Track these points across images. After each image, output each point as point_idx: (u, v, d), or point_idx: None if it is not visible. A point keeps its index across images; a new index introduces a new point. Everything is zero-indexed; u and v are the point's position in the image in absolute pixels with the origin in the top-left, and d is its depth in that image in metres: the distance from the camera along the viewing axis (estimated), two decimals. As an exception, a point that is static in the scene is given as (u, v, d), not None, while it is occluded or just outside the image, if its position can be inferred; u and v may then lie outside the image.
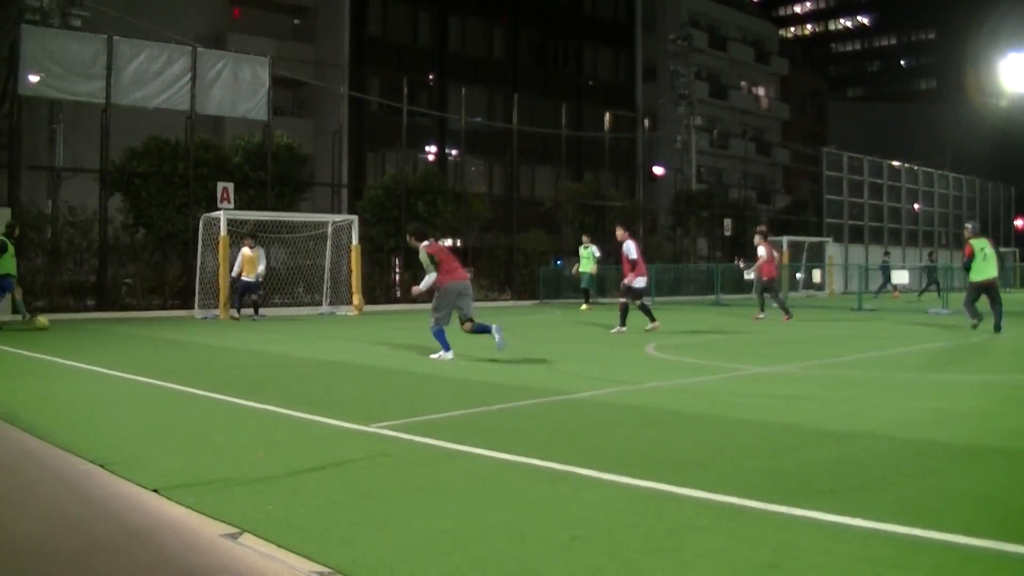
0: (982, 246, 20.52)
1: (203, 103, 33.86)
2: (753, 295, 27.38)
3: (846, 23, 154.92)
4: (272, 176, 35.22)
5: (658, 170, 65.89)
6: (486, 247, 45.63)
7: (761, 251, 26.34)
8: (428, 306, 16.22)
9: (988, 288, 20.57)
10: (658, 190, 65.69)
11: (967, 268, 20.74)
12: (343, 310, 31.71)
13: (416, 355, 16.00)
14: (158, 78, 32.97)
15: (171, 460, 7.26)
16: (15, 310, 24.26)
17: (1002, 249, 55.36)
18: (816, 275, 51.91)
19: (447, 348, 15.40)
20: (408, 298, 38.35)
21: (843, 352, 16.50)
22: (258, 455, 7.39)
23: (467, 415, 9.33)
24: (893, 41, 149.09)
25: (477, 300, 39.78)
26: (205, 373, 13.76)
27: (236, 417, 9.53)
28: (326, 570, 4.54)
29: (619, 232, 21.78)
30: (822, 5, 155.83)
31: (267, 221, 30.78)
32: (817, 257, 52.08)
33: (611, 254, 40.65)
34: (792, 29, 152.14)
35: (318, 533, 5.14)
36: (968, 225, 21.65)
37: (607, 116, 53.79)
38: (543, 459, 6.99)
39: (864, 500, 5.72)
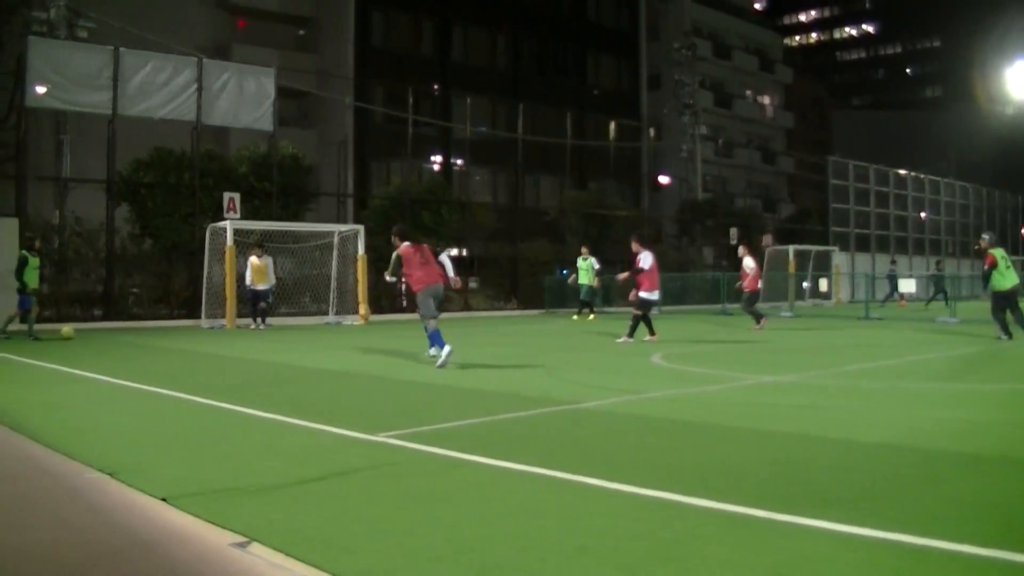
0: (1002, 254, 20.54)
1: (209, 114, 33.93)
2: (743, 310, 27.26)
3: (851, 31, 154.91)
4: (277, 186, 35.29)
5: (663, 179, 65.95)
6: (491, 257, 45.68)
7: (749, 263, 26.41)
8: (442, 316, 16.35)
9: (1010, 296, 20.58)
10: (663, 199, 65.74)
11: (987, 278, 20.70)
12: (349, 319, 31.75)
13: (422, 365, 16.00)
14: (164, 89, 33.04)
15: (178, 469, 7.27)
16: (22, 320, 24.21)
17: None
18: (823, 284, 51.88)
19: (442, 345, 15.64)
20: (414, 307, 38.43)
21: (849, 361, 16.48)
22: (265, 464, 7.40)
23: (473, 424, 9.34)
24: (898, 49, 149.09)
25: (483, 310, 39.85)
26: (212, 382, 13.78)
27: (243, 426, 9.56)
28: (333, 579, 4.55)
29: (633, 244, 21.67)
30: (826, 13, 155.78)
31: (273, 231, 30.82)
32: (823, 266, 51.95)
33: (621, 264, 40.81)
34: (796, 38, 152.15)
35: (325, 542, 5.15)
36: (985, 236, 21.59)
37: (611, 125, 53.87)
38: (549, 468, 6.98)
39: (870, 509, 5.72)
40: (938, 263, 55.76)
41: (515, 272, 44.47)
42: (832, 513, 5.52)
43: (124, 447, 8.31)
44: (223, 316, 29.26)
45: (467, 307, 41.80)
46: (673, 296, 43.83)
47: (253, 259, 28.54)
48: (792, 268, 46.00)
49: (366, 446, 8.18)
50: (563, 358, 17.57)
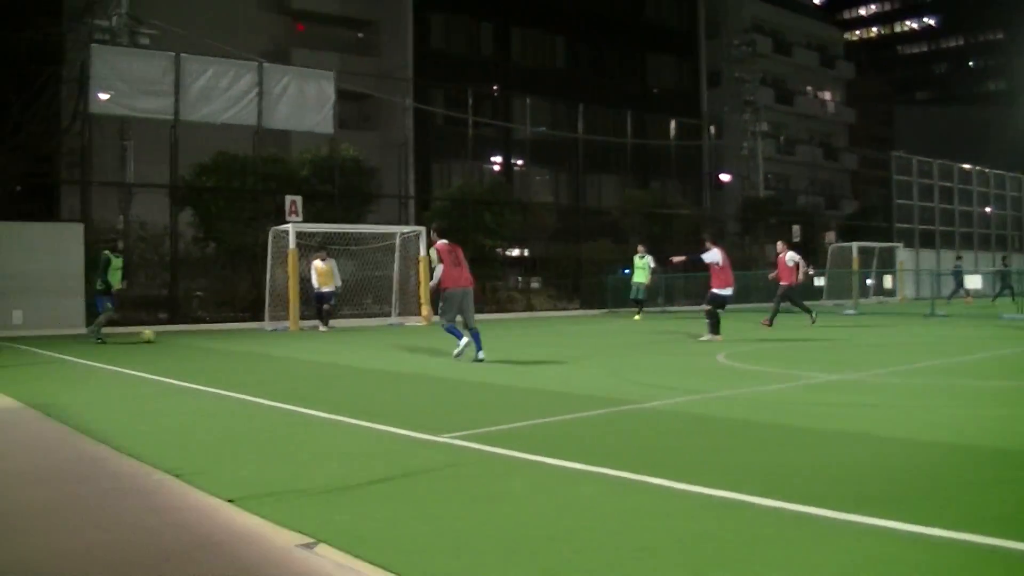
0: None
1: (270, 118, 34.16)
2: (793, 307, 27.03)
3: (912, 25, 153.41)
4: (339, 189, 35.47)
5: (724, 177, 65.62)
6: (552, 257, 45.66)
7: (793, 256, 26.36)
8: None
9: None
10: (725, 197, 65.39)
11: None
12: (411, 321, 31.82)
13: (484, 365, 15.99)
14: (225, 94, 33.31)
15: (244, 470, 7.30)
16: (90, 324, 24.37)
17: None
18: (887, 281, 51.46)
19: (460, 336, 16.54)
20: (476, 308, 38.44)
21: (915, 359, 16.31)
22: (331, 466, 7.41)
23: (537, 425, 9.30)
24: (960, 42, 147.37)
25: (545, 310, 39.85)
26: (276, 384, 13.83)
27: (307, 428, 9.58)
28: (399, 580, 4.54)
29: (707, 243, 21.54)
30: (887, 7, 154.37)
31: (335, 233, 30.95)
32: (887, 263, 51.53)
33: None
34: (857, 32, 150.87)
35: (390, 543, 5.14)
36: None
37: (672, 124, 53.59)
38: (612, 468, 6.93)
39: (937, 509, 5.64)
40: (1004, 259, 55.04)
41: (577, 272, 44.43)
42: (898, 513, 5.44)
43: (190, 449, 8.35)
44: (286, 318, 29.41)
45: (529, 307, 41.82)
46: (736, 294, 43.58)
47: (317, 262, 28.70)
48: (856, 265, 45.56)
49: (430, 447, 8.17)
50: (626, 358, 17.50)
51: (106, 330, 24.30)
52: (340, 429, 9.34)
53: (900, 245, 54.18)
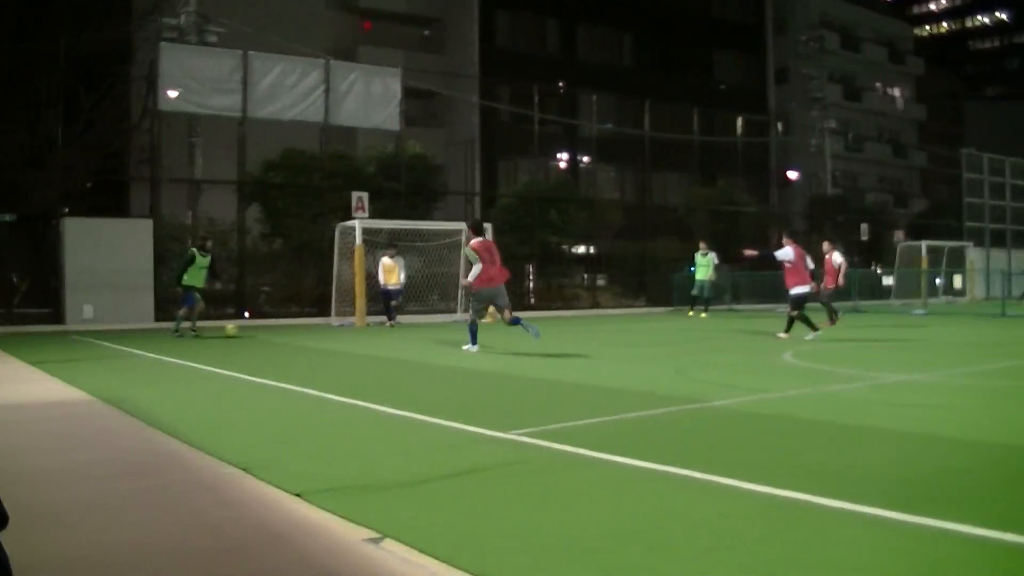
0: None
1: (336, 115, 34.33)
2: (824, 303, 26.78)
3: (983, 19, 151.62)
4: (405, 185, 35.56)
5: (792, 175, 65.21)
6: (619, 254, 45.57)
7: (837, 258, 26.23)
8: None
9: None
10: (792, 195, 64.96)
11: None
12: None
13: (550, 362, 15.99)
14: (292, 91, 33.52)
15: (312, 465, 7.34)
16: (177, 319, 24.44)
17: None
18: (956, 280, 50.90)
19: (474, 342, 17.93)
20: (542, 305, 38.56)
21: (986, 360, 16.13)
22: (397, 461, 7.44)
23: (603, 423, 9.27)
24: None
25: (610, 307, 39.80)
26: (343, 379, 13.91)
27: (374, 423, 9.61)
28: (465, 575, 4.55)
29: (784, 238, 21.40)
30: (958, 2, 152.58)
31: (401, 230, 31.04)
32: (957, 262, 50.94)
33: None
34: (927, 27, 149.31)
35: (456, 539, 5.15)
36: None
37: (738, 121, 53.31)
38: (679, 467, 6.90)
39: (1012, 513, 5.57)
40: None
41: (643, 269, 44.32)
42: (969, 517, 5.36)
43: (258, 443, 8.41)
44: (352, 314, 29.53)
45: (595, 304, 41.77)
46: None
47: (385, 259, 28.80)
48: (924, 264, 45.10)
49: (496, 443, 8.17)
50: (692, 356, 17.44)
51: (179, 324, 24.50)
52: (407, 425, 9.36)
53: (970, 244, 53.39)
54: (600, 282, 45.21)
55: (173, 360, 17.13)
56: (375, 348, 19.89)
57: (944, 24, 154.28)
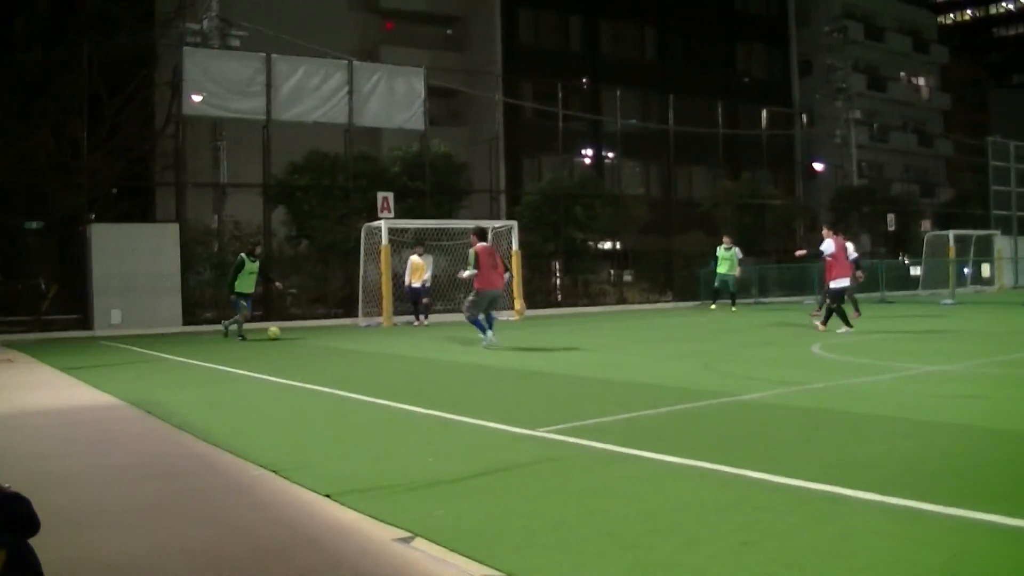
0: None
1: (360, 116, 34.37)
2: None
3: (1008, 6, 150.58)
4: (430, 185, 35.57)
5: (817, 166, 65.00)
6: (645, 250, 45.49)
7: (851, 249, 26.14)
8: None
9: None
10: (818, 187, 64.72)
11: None
12: (504, 315, 31.81)
13: (578, 358, 15.99)
14: (315, 93, 33.58)
15: (341, 466, 7.37)
16: (235, 322, 24.34)
17: None
18: (984, 269, 50.64)
19: (483, 330, 18.46)
20: (568, 301, 38.56)
21: (1016, 349, 16.05)
22: (427, 460, 7.44)
23: (633, 418, 9.27)
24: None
25: (637, 303, 39.75)
26: (371, 380, 13.93)
27: (403, 423, 9.62)
28: (498, 574, 4.54)
29: (825, 231, 21.28)
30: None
31: (427, 229, 31.05)
32: (985, 251, 50.67)
33: (777, 255, 40.43)
34: (951, 16, 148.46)
35: (489, 537, 5.15)
36: None
37: (763, 113, 53.11)
38: (711, 462, 6.90)
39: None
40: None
41: (669, 265, 44.25)
42: (1005, 508, 5.34)
43: (288, 444, 8.43)
44: (379, 314, 29.55)
45: (622, 300, 41.74)
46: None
47: (414, 258, 28.80)
48: (952, 254, 44.84)
49: (527, 441, 8.17)
50: (720, 350, 17.39)
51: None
52: (436, 424, 9.38)
53: (998, 232, 53.09)
54: (626, 278, 45.13)
55: (201, 363, 17.19)
56: (402, 348, 19.90)
57: (968, 12, 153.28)
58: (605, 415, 9.39)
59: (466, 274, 18.60)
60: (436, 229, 31.57)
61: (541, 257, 39.54)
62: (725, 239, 32.57)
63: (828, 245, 20.45)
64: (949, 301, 34.60)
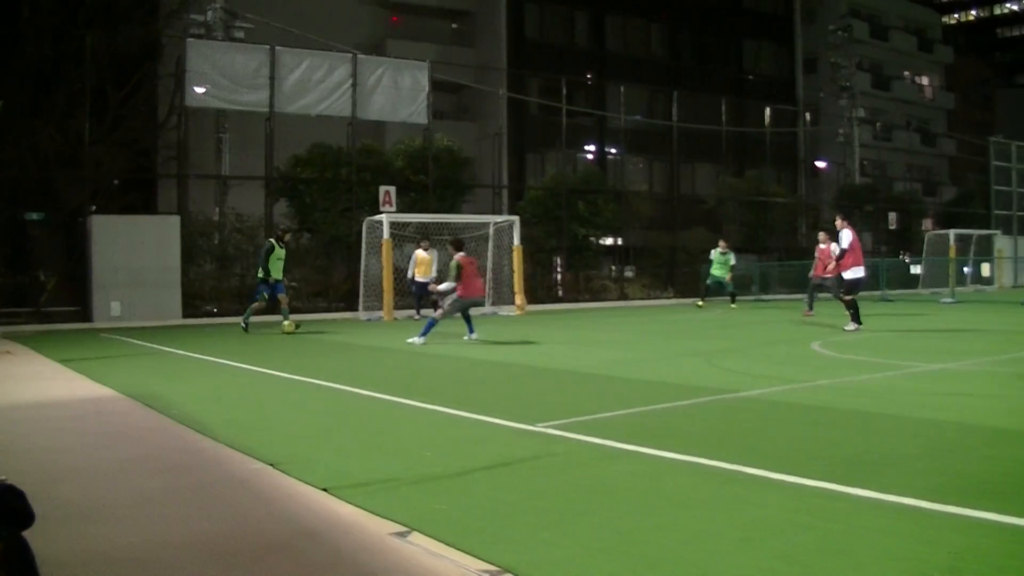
0: None
1: (364, 109, 34.36)
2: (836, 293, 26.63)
3: (1012, 6, 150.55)
4: (433, 179, 35.55)
5: (821, 164, 65.01)
6: (648, 246, 45.51)
7: (835, 247, 26.12)
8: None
9: None
10: (821, 185, 64.78)
11: None
12: (506, 310, 31.82)
13: (578, 353, 15.98)
14: (320, 86, 33.56)
15: (340, 460, 7.36)
16: (284, 316, 24.14)
17: None
18: (985, 269, 50.65)
19: (423, 336, 18.55)
20: (570, 297, 38.54)
21: (1016, 349, 16.04)
22: (426, 455, 7.42)
23: (633, 414, 9.26)
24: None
25: (639, 299, 39.72)
26: (371, 374, 13.92)
27: (402, 417, 9.61)
28: (496, 569, 4.53)
29: (838, 222, 21.12)
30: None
31: (429, 223, 31.01)
32: (985, 250, 50.68)
33: (780, 254, 40.36)
34: (956, 15, 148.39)
35: (487, 532, 5.14)
36: None
37: (767, 111, 53.10)
38: (712, 459, 6.90)
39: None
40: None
41: (672, 261, 44.25)
42: (1006, 506, 5.35)
43: (288, 438, 8.42)
44: (380, 308, 29.53)
45: (623, 296, 41.74)
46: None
47: (420, 252, 28.74)
48: (953, 253, 44.81)
49: (526, 436, 8.16)
50: (721, 346, 17.38)
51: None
52: (436, 418, 9.38)
53: (998, 232, 53.16)
54: (628, 274, 45.15)
55: (201, 356, 17.17)
56: (403, 343, 19.85)
57: (973, 12, 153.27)
58: (606, 411, 9.39)
59: (443, 287, 19.13)
60: (439, 223, 31.54)
61: (543, 252, 39.53)
62: (721, 243, 32.33)
63: (846, 235, 20.27)
64: (949, 300, 34.57)
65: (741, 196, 47.80)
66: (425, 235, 29.43)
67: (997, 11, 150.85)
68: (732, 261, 31.98)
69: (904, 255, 52.61)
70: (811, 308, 25.94)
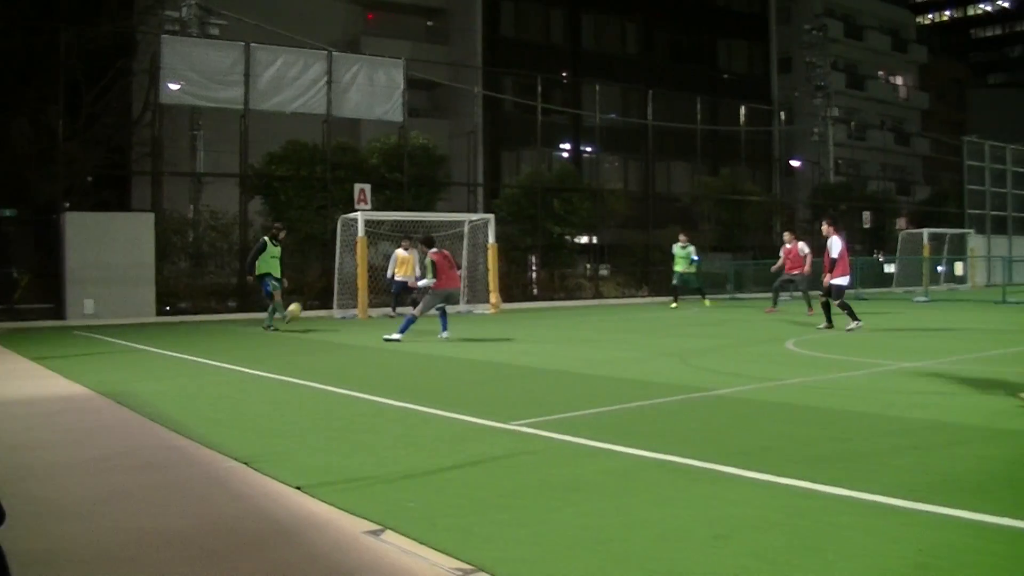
0: None
1: (339, 106, 34.30)
2: (803, 292, 26.74)
3: (986, 7, 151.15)
4: (409, 177, 35.50)
5: (795, 163, 65.20)
6: (623, 244, 45.53)
7: (803, 247, 26.36)
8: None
9: None
10: (796, 184, 64.94)
11: None
12: (480, 308, 31.81)
13: (555, 352, 16.00)
14: (295, 83, 33.48)
15: (313, 458, 7.36)
16: (270, 312, 23.97)
17: None
18: (958, 267, 50.86)
19: (402, 332, 18.85)
20: (545, 295, 38.54)
21: (988, 347, 16.11)
22: (399, 453, 7.44)
23: (606, 412, 9.29)
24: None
25: (613, 297, 39.74)
26: (345, 372, 13.91)
27: (376, 415, 9.59)
28: (468, 567, 4.54)
29: (825, 228, 21.11)
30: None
31: (404, 221, 30.97)
32: (958, 249, 50.89)
33: (754, 252, 40.52)
34: (930, 15, 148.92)
35: (460, 530, 5.15)
36: None
37: (742, 110, 53.20)
38: (684, 456, 6.94)
39: (1015, 499, 5.61)
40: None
41: (646, 259, 44.31)
42: (975, 503, 5.40)
43: (262, 436, 8.44)
44: (355, 306, 29.49)
45: (598, 294, 41.76)
46: (806, 280, 43.30)
47: (400, 251, 28.67)
48: (926, 252, 44.99)
49: (500, 434, 8.19)
50: (695, 345, 17.44)
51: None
52: (410, 416, 9.37)
53: (971, 231, 53.38)
54: (603, 272, 45.16)
55: (175, 354, 17.13)
56: (377, 340, 19.82)
57: (947, 12, 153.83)
58: (579, 409, 9.42)
59: (422, 283, 19.58)
60: (413, 221, 31.49)
61: (518, 251, 39.51)
62: (681, 237, 31.97)
63: (835, 244, 20.22)
64: (923, 299, 34.75)
65: (716, 195, 47.87)
66: (406, 234, 29.36)
67: (971, 11, 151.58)
68: (694, 255, 31.75)
69: (878, 254, 52.78)
70: (775, 305, 26.25)
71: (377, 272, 29.69)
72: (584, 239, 44.59)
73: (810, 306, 25.46)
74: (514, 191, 41.23)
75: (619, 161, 55.99)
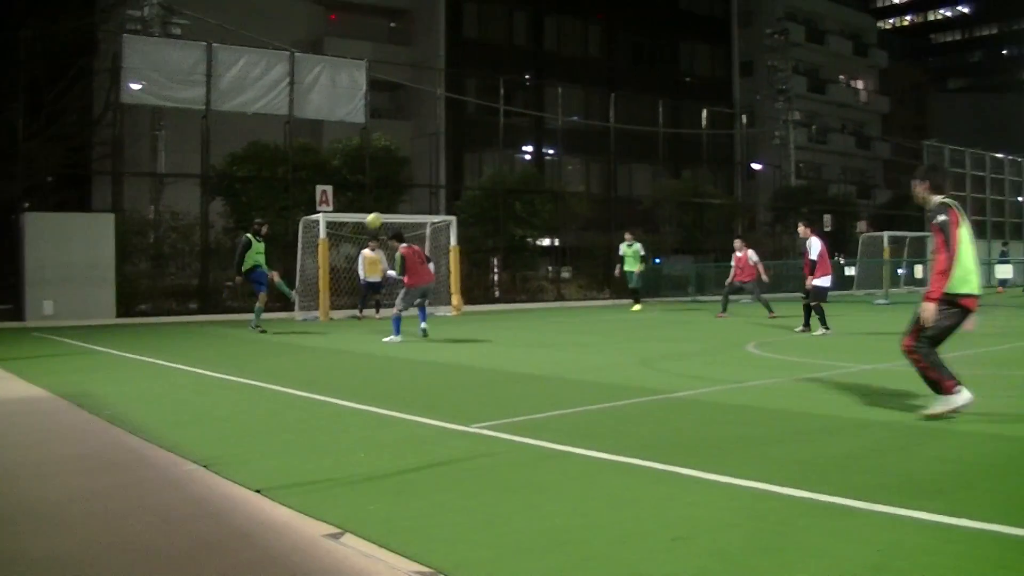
0: None
1: (301, 107, 34.27)
2: (757, 297, 26.89)
3: (946, 13, 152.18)
4: (371, 178, 35.48)
5: (756, 166, 65.49)
6: (585, 246, 45.61)
7: (752, 255, 26.65)
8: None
9: None
10: (757, 187, 65.26)
11: None
12: (442, 310, 31.77)
13: (514, 354, 16.01)
14: (257, 83, 33.41)
15: (273, 461, 7.33)
16: (256, 315, 23.87)
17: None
18: (918, 270, 51.14)
19: (397, 332, 19.02)
20: (507, 298, 38.55)
21: (951, 348, 16.19)
22: (359, 456, 7.42)
23: (567, 415, 9.29)
24: (995, 31, 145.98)
25: (576, 300, 39.80)
26: (306, 374, 13.86)
27: (337, 418, 9.56)
28: (427, 570, 4.53)
29: (802, 229, 21.12)
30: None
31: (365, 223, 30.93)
32: (919, 252, 51.18)
33: (716, 255, 40.63)
34: (891, 21, 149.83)
35: (420, 533, 5.14)
36: None
37: (704, 113, 53.40)
38: (644, 459, 6.93)
39: (972, 500, 5.62)
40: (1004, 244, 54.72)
41: (608, 262, 44.39)
42: (932, 504, 5.43)
43: (220, 439, 8.39)
44: (317, 308, 29.42)
45: (560, 296, 41.83)
46: (768, 284, 43.50)
47: (367, 252, 28.61)
48: (887, 255, 45.23)
49: (461, 437, 8.17)
50: (656, 347, 17.49)
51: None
52: (371, 419, 9.35)
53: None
54: (565, 275, 45.24)
55: (134, 356, 17.04)
56: (339, 342, 19.82)
57: (907, 18, 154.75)
58: (540, 411, 9.41)
59: (391, 273, 20.24)
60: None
61: (480, 253, 39.55)
62: (627, 235, 31.78)
63: (815, 245, 20.18)
64: (883, 301, 34.96)
65: (678, 197, 48.10)
66: (373, 235, 29.29)
67: (931, 17, 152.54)
68: (641, 252, 31.50)
69: (838, 256, 53.01)
70: (724, 310, 26.49)
71: (338, 274, 29.66)
72: (546, 241, 44.66)
73: (770, 310, 25.56)
74: (476, 193, 41.29)
75: (581, 163, 56.12)
